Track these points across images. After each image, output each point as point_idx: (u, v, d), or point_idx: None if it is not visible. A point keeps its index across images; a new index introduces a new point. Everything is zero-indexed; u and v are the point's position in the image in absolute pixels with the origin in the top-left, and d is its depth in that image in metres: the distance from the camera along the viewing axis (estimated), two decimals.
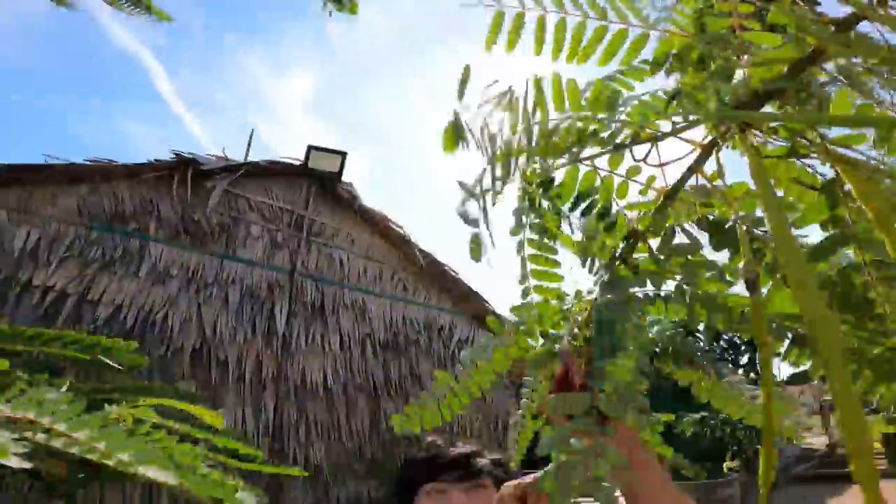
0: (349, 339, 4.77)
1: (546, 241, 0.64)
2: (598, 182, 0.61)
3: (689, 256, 0.56)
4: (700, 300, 0.55)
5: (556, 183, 0.62)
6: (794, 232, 0.48)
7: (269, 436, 4.10)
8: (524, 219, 0.62)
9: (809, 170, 0.51)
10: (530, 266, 0.64)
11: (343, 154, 5.08)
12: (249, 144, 5.38)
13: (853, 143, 0.46)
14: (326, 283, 5.04)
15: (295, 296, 4.80)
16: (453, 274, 5.68)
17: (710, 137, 0.52)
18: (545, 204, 0.63)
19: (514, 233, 0.62)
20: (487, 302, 5.62)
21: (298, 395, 4.33)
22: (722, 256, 0.54)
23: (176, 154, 4.41)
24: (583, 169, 0.61)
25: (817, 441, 12.62)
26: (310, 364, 4.49)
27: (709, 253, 0.55)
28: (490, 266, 0.54)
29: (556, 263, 0.64)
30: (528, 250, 0.63)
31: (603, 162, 0.60)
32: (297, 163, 5.14)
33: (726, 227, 0.54)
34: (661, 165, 0.56)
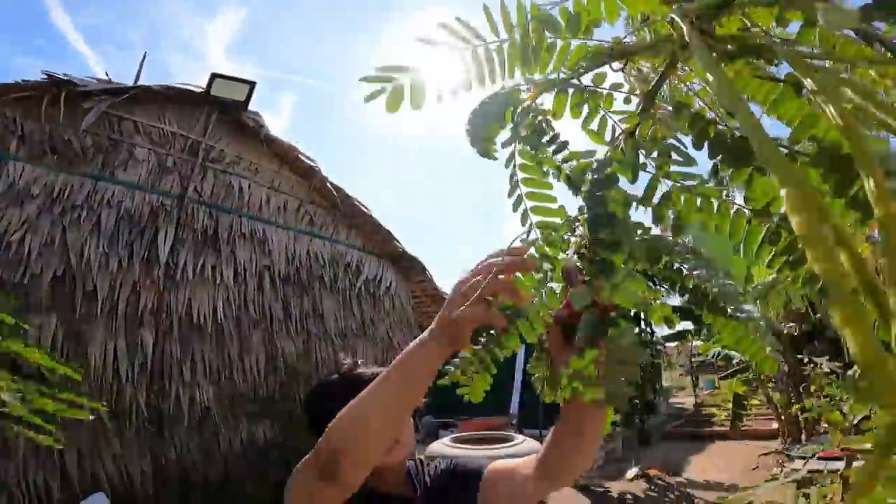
0: (245, 271, 4.33)
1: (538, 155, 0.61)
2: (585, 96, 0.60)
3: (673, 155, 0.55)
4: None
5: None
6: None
7: (147, 375, 3.65)
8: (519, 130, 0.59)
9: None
10: (522, 177, 0.62)
11: (251, 83, 4.81)
12: (140, 69, 4.91)
13: (803, 41, 0.47)
14: (222, 211, 4.53)
15: (184, 222, 4.27)
16: (364, 211, 5.36)
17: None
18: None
19: (506, 144, 0.60)
20: (398, 241, 5.39)
21: (183, 331, 3.87)
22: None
23: (48, 74, 3.86)
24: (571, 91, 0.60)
25: (687, 401, 13.99)
26: (197, 296, 4.02)
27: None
28: None
29: (549, 185, 0.62)
30: (519, 160, 0.61)
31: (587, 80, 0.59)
32: (199, 90, 4.74)
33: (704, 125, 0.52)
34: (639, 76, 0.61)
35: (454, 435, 4.97)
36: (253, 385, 4.10)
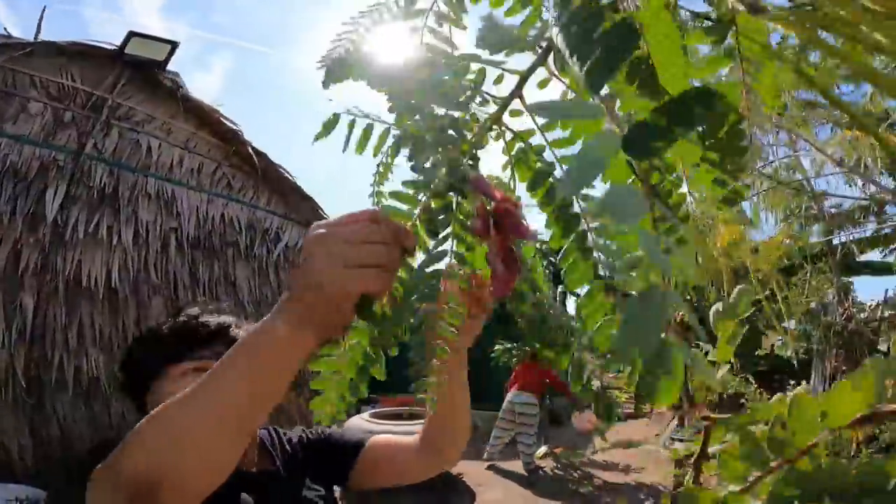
0: (148, 233, 3.97)
1: None
2: None
3: None
4: None
5: None
6: None
7: (27, 341, 3.28)
8: None
9: None
10: None
11: (173, 44, 4.52)
12: (40, 23, 4.55)
13: None
14: (125, 170, 4.15)
15: (78, 179, 3.88)
16: (289, 178, 5.10)
17: None
18: None
19: None
20: (322, 210, 5.16)
21: (70, 294, 3.51)
22: None
23: None
24: None
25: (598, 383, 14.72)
26: (88, 258, 3.65)
27: None
28: None
29: None
30: None
31: None
32: (111, 47, 4.44)
33: None
34: None
35: (374, 410, 4.89)
36: None
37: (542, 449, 5.84)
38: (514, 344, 9.67)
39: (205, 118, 4.92)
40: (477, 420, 9.29)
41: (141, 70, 4.62)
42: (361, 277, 0.44)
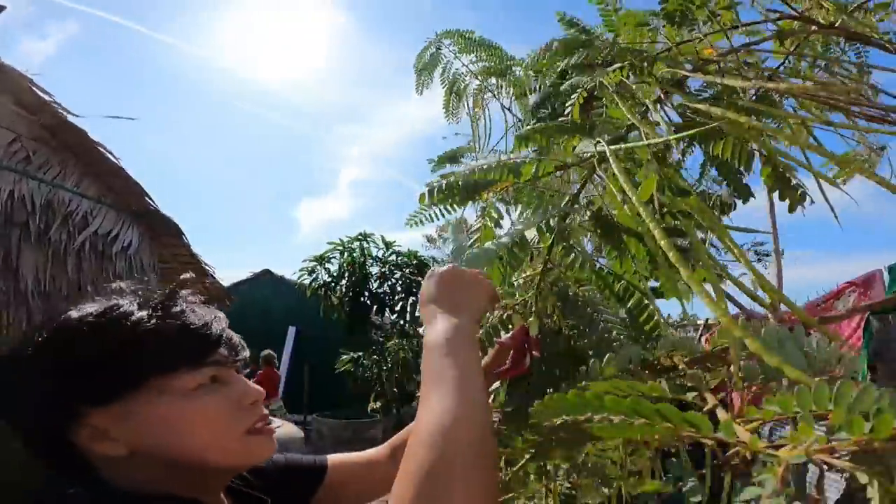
0: None
1: None
2: None
3: None
4: None
5: None
6: None
7: None
8: None
9: None
10: None
11: None
12: None
13: None
14: None
15: None
16: (111, 159, 4.63)
17: None
18: None
19: None
20: (152, 200, 4.78)
21: None
22: None
23: None
24: None
25: None
26: None
27: None
28: None
29: None
30: None
31: None
32: None
33: None
34: None
35: None
36: None
37: None
38: (360, 354, 9.84)
39: (8, 83, 4.29)
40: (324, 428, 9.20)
41: None
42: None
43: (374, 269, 10.68)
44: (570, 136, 0.97)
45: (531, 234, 0.88)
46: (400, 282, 10.67)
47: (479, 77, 1.91)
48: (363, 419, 9.43)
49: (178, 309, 0.64)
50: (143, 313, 0.62)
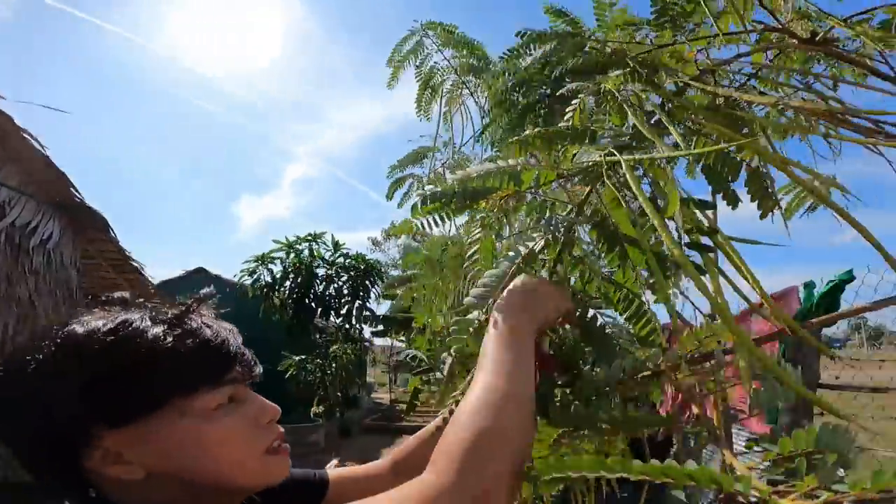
0: None
1: None
2: None
3: None
4: None
5: None
6: None
7: None
8: None
9: None
10: None
11: None
12: None
13: None
14: None
15: None
16: (34, 146, 4.23)
17: None
18: None
19: None
20: (77, 191, 4.41)
21: None
22: None
23: None
24: None
25: (386, 397, 15.55)
26: None
27: None
28: None
29: None
30: None
31: None
32: None
33: None
34: None
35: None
36: None
37: (333, 462, 5.77)
38: (304, 357, 9.60)
39: None
40: None
41: None
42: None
43: (321, 271, 10.41)
44: (571, 143, 0.93)
45: (538, 245, 0.84)
46: (347, 285, 10.45)
47: (459, 73, 1.85)
48: (305, 423, 9.16)
49: (194, 325, 0.61)
50: (159, 330, 0.58)
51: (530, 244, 0.77)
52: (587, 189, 0.86)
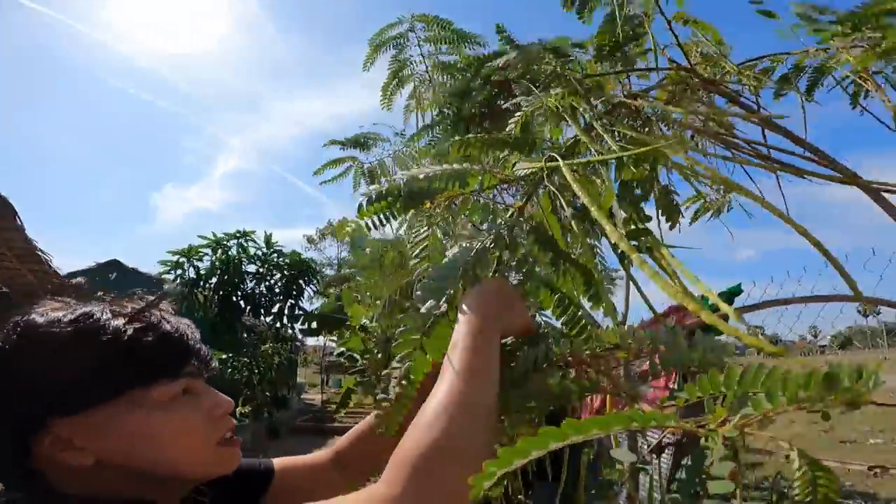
0: None
1: None
2: None
3: None
4: None
5: None
6: None
7: None
8: None
9: None
10: None
11: None
12: None
13: None
14: None
15: None
16: None
17: None
18: None
19: None
20: None
21: None
22: None
23: None
24: None
25: (317, 397, 15.40)
26: None
27: None
28: None
29: None
30: None
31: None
32: None
33: None
34: None
35: None
36: None
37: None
38: (230, 355, 9.26)
39: None
40: None
41: None
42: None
43: (252, 269, 10.04)
44: (512, 151, 0.97)
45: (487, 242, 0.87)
46: (279, 283, 10.15)
47: (430, 71, 1.87)
48: None
49: (153, 318, 0.63)
50: (120, 322, 0.60)
51: (480, 241, 0.80)
52: (527, 194, 0.90)
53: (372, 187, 0.91)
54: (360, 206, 0.89)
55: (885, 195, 0.95)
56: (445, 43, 1.82)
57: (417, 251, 0.98)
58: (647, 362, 1.02)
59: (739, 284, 2.68)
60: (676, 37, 1.14)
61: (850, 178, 0.98)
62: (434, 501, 0.53)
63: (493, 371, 0.65)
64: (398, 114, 2.04)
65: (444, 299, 0.75)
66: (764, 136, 1.14)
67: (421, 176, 0.89)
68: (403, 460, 0.55)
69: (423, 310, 0.75)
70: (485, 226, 0.89)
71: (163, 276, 9.80)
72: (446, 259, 0.83)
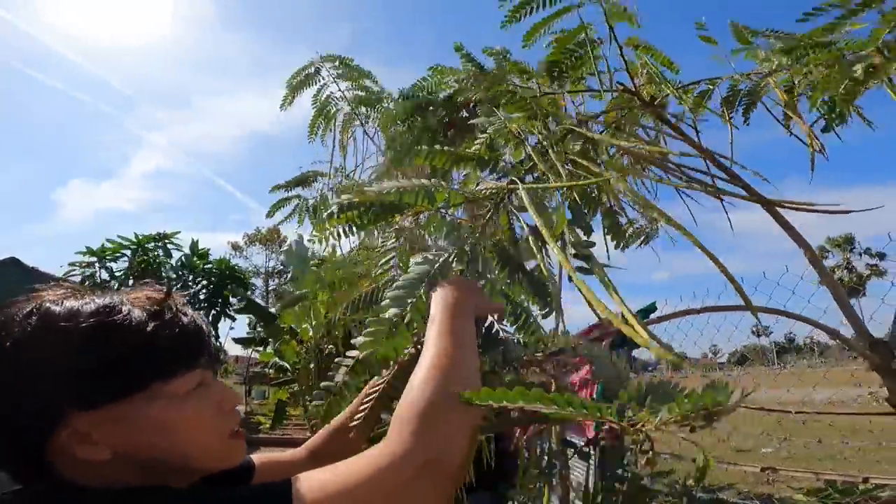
0: None
1: None
2: None
3: None
4: None
5: None
6: None
7: None
8: None
9: None
10: None
11: None
12: None
13: None
14: None
15: None
16: None
17: None
18: None
19: None
20: None
21: None
22: None
23: None
24: None
25: (239, 409, 15.01)
26: None
27: None
28: None
29: None
30: None
31: None
32: None
33: None
34: None
35: None
36: None
37: None
38: None
39: None
40: None
41: None
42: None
43: (172, 275, 9.43)
44: (475, 168, 1.04)
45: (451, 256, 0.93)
46: (204, 291, 9.58)
47: (351, 105, 1.97)
48: None
49: (171, 311, 0.63)
50: (143, 316, 0.59)
51: (444, 255, 0.86)
52: (489, 212, 0.98)
53: (343, 197, 0.94)
54: (330, 214, 0.92)
55: (786, 211, 1.12)
56: (348, 80, 1.97)
57: (383, 261, 1.02)
58: (586, 369, 1.16)
59: (654, 302, 2.88)
60: (626, 62, 1.24)
61: (756, 197, 1.14)
62: (434, 450, 0.56)
63: (472, 338, 0.71)
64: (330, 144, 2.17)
65: (408, 308, 0.81)
66: (707, 165, 1.28)
67: (392, 190, 0.94)
68: (401, 418, 0.58)
69: (387, 316, 0.79)
70: (446, 241, 0.95)
71: (68, 278, 9.04)
72: (411, 271, 0.88)
